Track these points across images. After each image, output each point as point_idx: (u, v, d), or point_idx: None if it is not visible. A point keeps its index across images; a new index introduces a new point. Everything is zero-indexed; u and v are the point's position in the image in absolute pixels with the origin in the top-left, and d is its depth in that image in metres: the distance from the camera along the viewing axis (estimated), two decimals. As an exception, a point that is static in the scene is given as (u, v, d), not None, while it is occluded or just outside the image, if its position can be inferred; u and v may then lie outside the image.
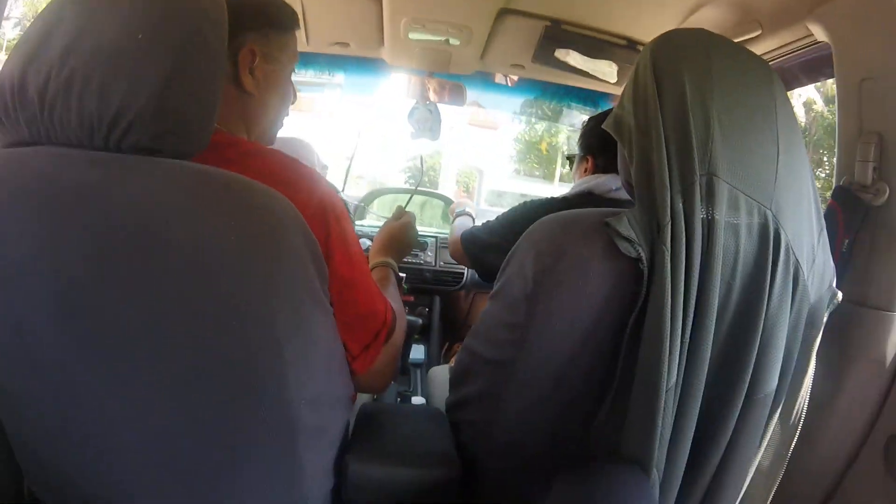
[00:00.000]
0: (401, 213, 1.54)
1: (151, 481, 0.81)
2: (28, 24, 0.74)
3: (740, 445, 0.85)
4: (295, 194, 0.74)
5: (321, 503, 0.90)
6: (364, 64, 2.27)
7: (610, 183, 1.49)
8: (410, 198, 1.71)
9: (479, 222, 3.00)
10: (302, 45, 1.91)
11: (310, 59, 2.21)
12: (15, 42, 0.74)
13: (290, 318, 0.72)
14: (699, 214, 0.75)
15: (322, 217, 0.80)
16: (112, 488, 0.83)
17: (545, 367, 0.85)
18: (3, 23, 0.98)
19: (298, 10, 1.00)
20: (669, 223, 0.74)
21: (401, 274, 1.39)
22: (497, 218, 1.74)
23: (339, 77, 2.41)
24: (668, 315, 0.73)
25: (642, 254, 0.75)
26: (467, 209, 2.26)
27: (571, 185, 1.67)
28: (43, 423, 0.80)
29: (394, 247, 1.42)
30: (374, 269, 1.32)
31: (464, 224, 2.06)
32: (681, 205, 0.75)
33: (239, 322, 0.69)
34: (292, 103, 1.09)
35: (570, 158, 1.75)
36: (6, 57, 0.75)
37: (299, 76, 2.28)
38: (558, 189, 20.81)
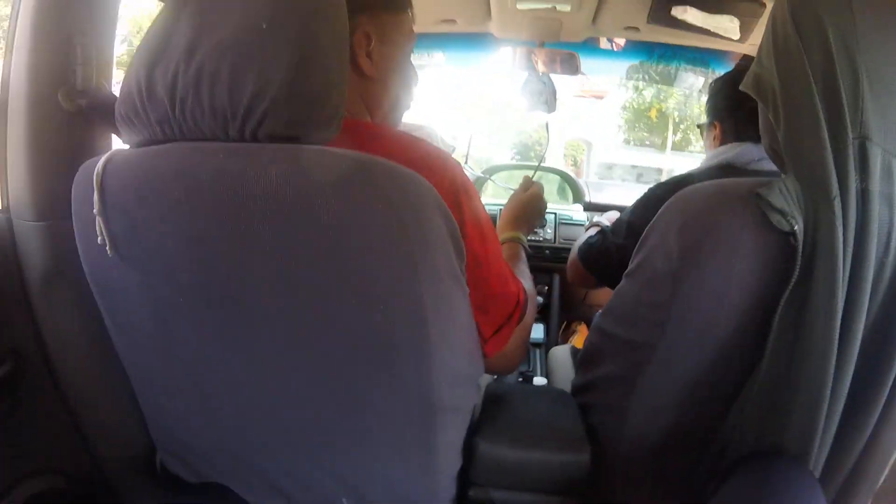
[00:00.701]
0: (529, 183, 1.49)
1: (284, 457, 0.85)
2: (135, 40, 0.78)
3: (884, 434, 0.79)
4: (428, 175, 0.74)
5: (450, 483, 0.91)
6: (468, 38, 2.25)
7: (752, 152, 1.32)
8: (535, 170, 1.68)
9: (595, 196, 2.94)
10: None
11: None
12: (125, 57, 0.78)
13: (434, 298, 0.72)
14: (854, 183, 0.69)
15: (455, 197, 0.80)
16: (245, 462, 0.87)
17: (688, 349, 0.82)
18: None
19: None
20: (839, 194, 0.69)
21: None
22: (620, 216, 1.55)
23: (439, 56, 2.39)
24: (841, 293, 0.69)
25: (796, 227, 0.71)
26: (601, 220, 1.94)
27: (684, 153, 1.54)
28: (178, 401, 0.86)
29: (523, 219, 1.38)
30: (502, 244, 1.29)
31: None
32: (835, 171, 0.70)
33: (385, 303, 0.70)
34: (415, 84, 1.08)
35: (700, 127, 1.60)
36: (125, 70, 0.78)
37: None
38: (671, 158, 20.17)
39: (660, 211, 0.88)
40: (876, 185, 0.70)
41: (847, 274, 0.70)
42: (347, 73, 0.76)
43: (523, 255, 1.28)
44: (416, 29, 1.05)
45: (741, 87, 0.84)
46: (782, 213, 0.71)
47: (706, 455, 0.82)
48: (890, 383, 0.76)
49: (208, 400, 0.84)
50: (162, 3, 0.78)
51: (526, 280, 1.10)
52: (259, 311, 0.73)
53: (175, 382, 0.85)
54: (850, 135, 0.70)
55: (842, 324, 0.70)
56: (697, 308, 0.79)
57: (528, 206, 1.41)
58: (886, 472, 0.85)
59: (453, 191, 0.80)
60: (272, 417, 0.81)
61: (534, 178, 1.51)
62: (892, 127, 0.71)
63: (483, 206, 0.87)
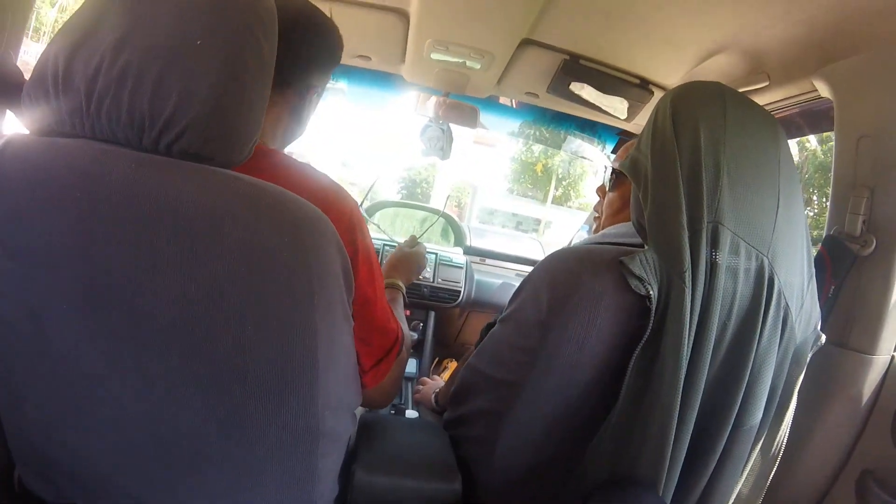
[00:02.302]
0: (414, 242, 1.68)
1: (160, 480, 0.81)
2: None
3: (725, 472, 0.92)
4: (328, 209, 0.77)
5: None
6: (372, 75, 2.29)
7: None
8: (428, 228, 1.75)
9: (476, 241, 3.06)
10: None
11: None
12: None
13: (326, 328, 0.75)
14: (704, 258, 0.82)
15: (351, 234, 0.84)
16: (116, 483, 0.83)
17: (552, 390, 0.91)
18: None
19: None
20: (690, 266, 0.81)
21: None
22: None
23: (342, 84, 2.40)
24: (686, 349, 0.80)
25: (651, 291, 0.82)
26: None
27: (563, 207, 1.61)
28: (46, 411, 0.80)
29: (404, 270, 1.53)
30: (385, 288, 1.37)
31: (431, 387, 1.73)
32: (689, 248, 0.82)
33: (281, 330, 0.72)
34: None
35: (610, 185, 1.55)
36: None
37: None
38: (550, 211, 21.06)
39: (535, 268, 0.98)
40: (724, 260, 0.83)
41: (693, 333, 0.82)
42: (267, 99, 0.77)
43: (401, 300, 1.39)
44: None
45: (618, 167, 0.96)
46: (640, 279, 0.82)
47: (568, 483, 0.91)
48: (730, 426, 0.88)
49: (81, 413, 0.78)
50: None
51: (402, 322, 1.16)
52: (149, 324, 0.71)
53: (44, 390, 0.78)
54: (706, 219, 0.83)
55: (687, 375, 0.82)
56: (561, 354, 0.88)
57: (411, 261, 1.59)
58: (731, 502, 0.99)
59: (350, 228, 0.85)
60: (150, 436, 0.78)
61: (420, 219, 1.62)
62: (743, 215, 0.85)
63: (372, 243, 0.92)
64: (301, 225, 0.72)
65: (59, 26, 0.74)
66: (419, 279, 2.59)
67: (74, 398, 0.78)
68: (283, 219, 0.71)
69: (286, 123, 0.99)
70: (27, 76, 0.74)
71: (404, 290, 1.44)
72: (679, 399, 0.82)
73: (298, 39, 0.91)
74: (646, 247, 0.87)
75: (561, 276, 0.91)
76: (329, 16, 1.00)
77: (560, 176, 20.89)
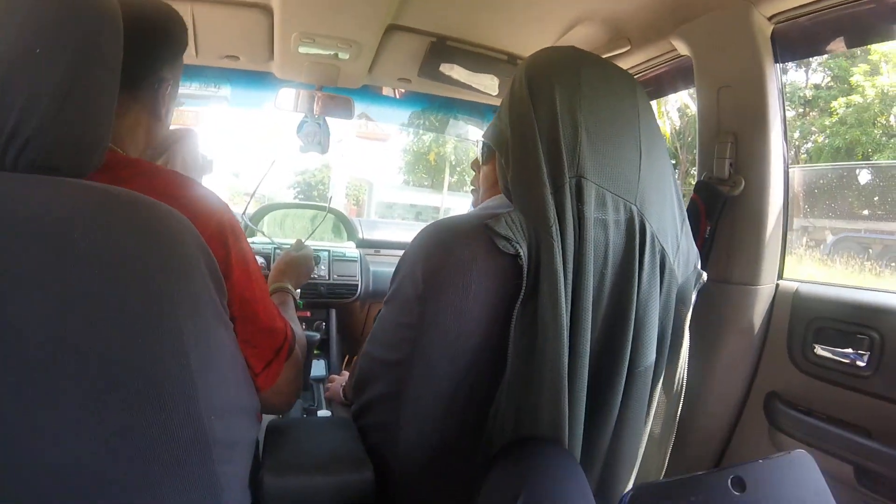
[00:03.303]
0: (300, 245, 1.66)
1: None
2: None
3: (630, 415, 0.95)
4: (194, 214, 0.76)
5: None
6: (252, 77, 2.26)
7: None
8: (318, 225, 1.74)
9: (368, 234, 3.04)
10: (191, 58, 1.91)
11: (197, 72, 2.18)
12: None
13: (194, 331, 0.72)
14: (570, 212, 0.84)
15: (220, 236, 0.82)
16: None
17: (441, 360, 0.91)
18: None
19: (189, 21, 0.99)
20: (556, 220, 0.83)
21: (296, 291, 1.46)
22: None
23: (225, 89, 2.38)
24: (563, 301, 0.82)
25: (520, 250, 0.84)
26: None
27: (459, 193, 1.65)
28: None
29: (291, 274, 1.51)
30: (273, 293, 1.38)
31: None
32: (554, 204, 0.84)
33: (147, 336, 0.69)
34: None
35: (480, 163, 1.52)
36: None
37: (185, 88, 2.24)
38: (447, 198, 21.34)
39: (409, 245, 0.99)
40: (591, 212, 0.85)
41: (569, 286, 0.84)
42: (114, 104, 0.75)
43: (291, 302, 1.38)
44: (199, 62, 1.04)
45: (482, 138, 1.00)
46: (507, 239, 0.84)
47: (476, 451, 0.92)
48: (625, 370, 0.91)
49: None
50: None
51: (294, 323, 1.15)
52: (19, 347, 0.66)
53: None
54: (568, 175, 0.85)
55: (571, 326, 0.85)
56: (442, 324, 0.89)
57: (298, 263, 1.57)
58: (640, 452, 1.02)
59: (219, 231, 0.83)
60: (36, 469, 0.72)
61: (310, 216, 1.60)
62: (606, 168, 0.88)
63: (250, 247, 0.90)
64: (154, 224, 0.70)
65: None
66: (315, 278, 2.55)
67: None
68: (135, 220, 0.69)
69: (146, 124, 0.95)
70: None
71: (294, 292, 1.43)
72: (566, 351, 0.84)
73: (139, 37, 0.87)
74: (512, 209, 0.89)
75: (433, 248, 0.92)
76: (191, 17, 0.97)
77: (453, 162, 21.14)
